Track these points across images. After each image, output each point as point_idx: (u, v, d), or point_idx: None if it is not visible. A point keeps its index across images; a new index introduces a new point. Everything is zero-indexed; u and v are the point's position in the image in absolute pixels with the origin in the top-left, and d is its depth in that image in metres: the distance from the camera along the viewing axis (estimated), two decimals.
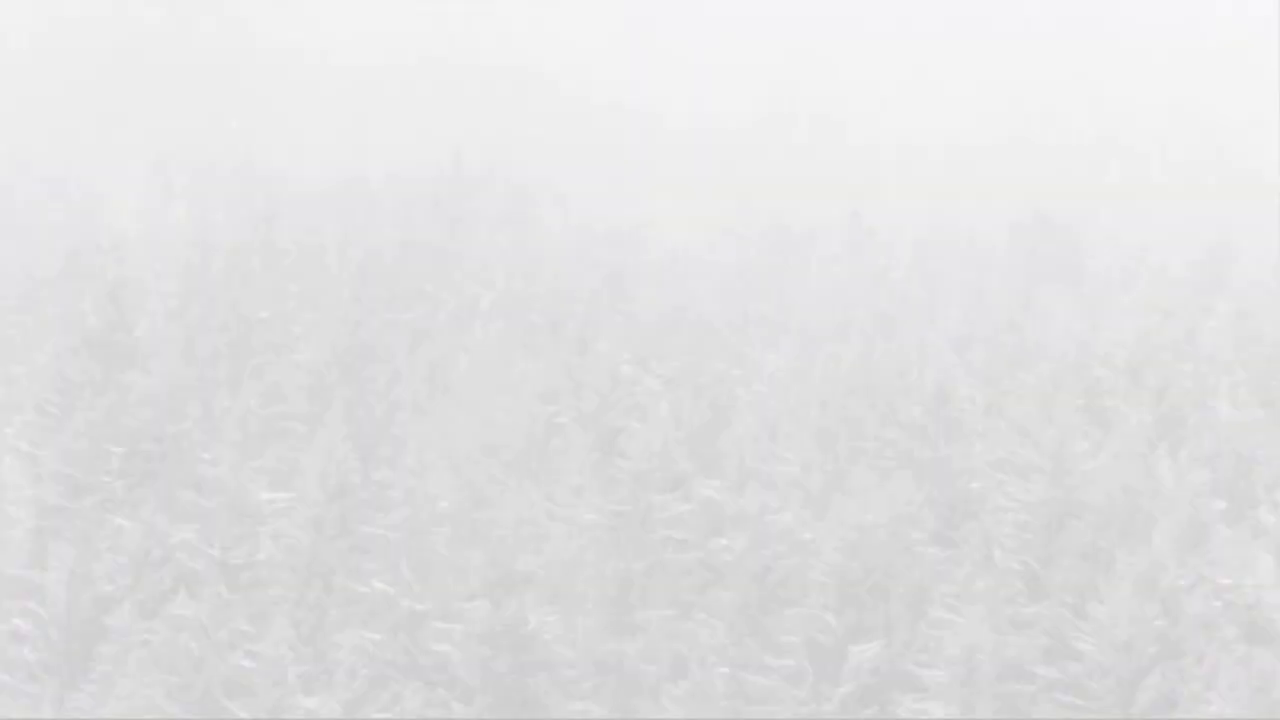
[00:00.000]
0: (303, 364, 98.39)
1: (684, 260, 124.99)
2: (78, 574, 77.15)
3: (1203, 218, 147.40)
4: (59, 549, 78.26)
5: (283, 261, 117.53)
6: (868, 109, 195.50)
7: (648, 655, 78.97)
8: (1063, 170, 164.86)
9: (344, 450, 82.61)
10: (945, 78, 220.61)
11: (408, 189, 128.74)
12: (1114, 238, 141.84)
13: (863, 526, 78.93)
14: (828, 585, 78.11)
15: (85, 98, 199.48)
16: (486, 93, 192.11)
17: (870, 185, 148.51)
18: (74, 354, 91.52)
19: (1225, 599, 75.95)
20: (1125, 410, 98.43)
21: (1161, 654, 72.57)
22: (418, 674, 73.22)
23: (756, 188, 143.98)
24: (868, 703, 74.21)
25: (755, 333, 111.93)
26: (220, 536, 79.85)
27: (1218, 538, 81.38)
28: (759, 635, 78.98)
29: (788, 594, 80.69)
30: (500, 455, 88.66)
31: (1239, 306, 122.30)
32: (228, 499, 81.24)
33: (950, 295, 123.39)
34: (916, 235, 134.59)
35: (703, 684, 73.82)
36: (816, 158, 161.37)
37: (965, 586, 78.39)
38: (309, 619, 76.59)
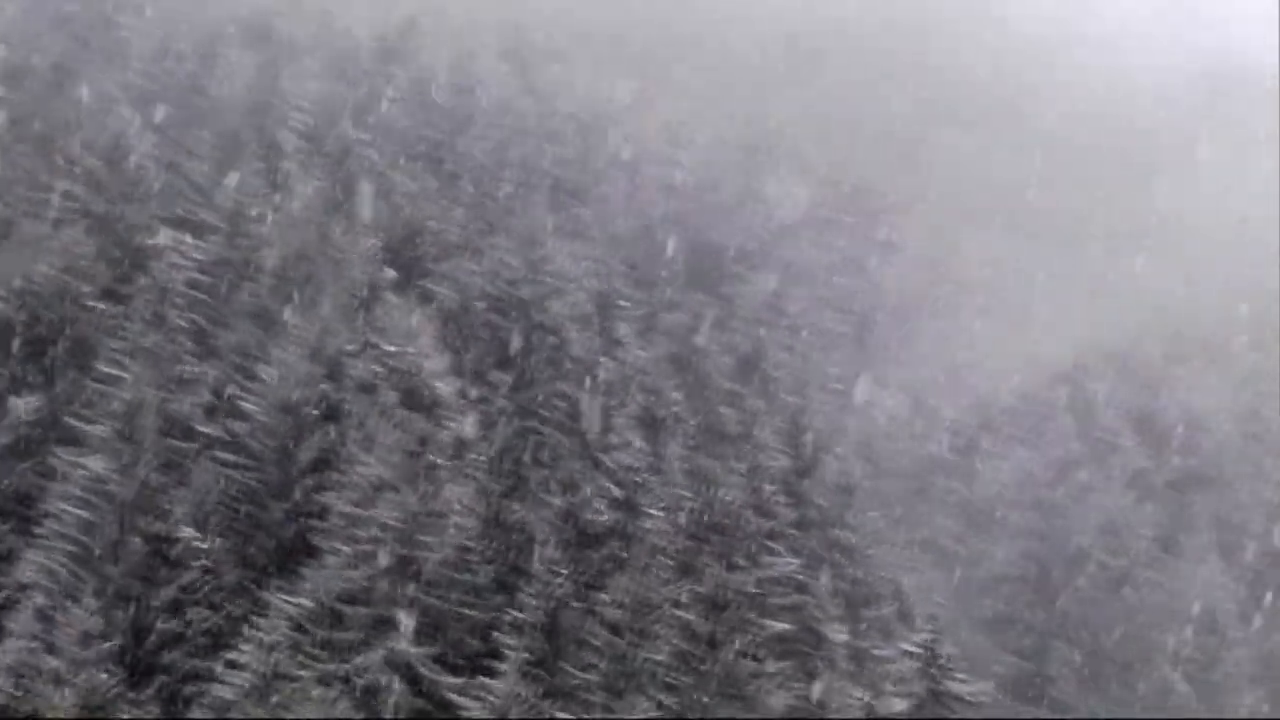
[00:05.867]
0: None
1: None
2: None
3: None
4: None
5: None
6: None
7: None
8: None
9: None
10: None
11: None
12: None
13: (31, 277, 76.99)
14: None
15: None
16: None
17: None
18: None
19: (388, 365, 78.18)
20: (301, 174, 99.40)
21: (323, 416, 74.33)
22: None
23: None
24: (25, 456, 72.95)
25: None
26: None
27: (385, 305, 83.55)
28: None
29: None
30: None
31: (416, 76, 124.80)
32: None
33: (131, 47, 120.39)
34: None
35: None
36: None
37: (133, 342, 77.79)
38: None
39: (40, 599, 65.18)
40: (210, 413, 76.24)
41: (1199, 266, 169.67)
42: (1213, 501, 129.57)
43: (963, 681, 63.19)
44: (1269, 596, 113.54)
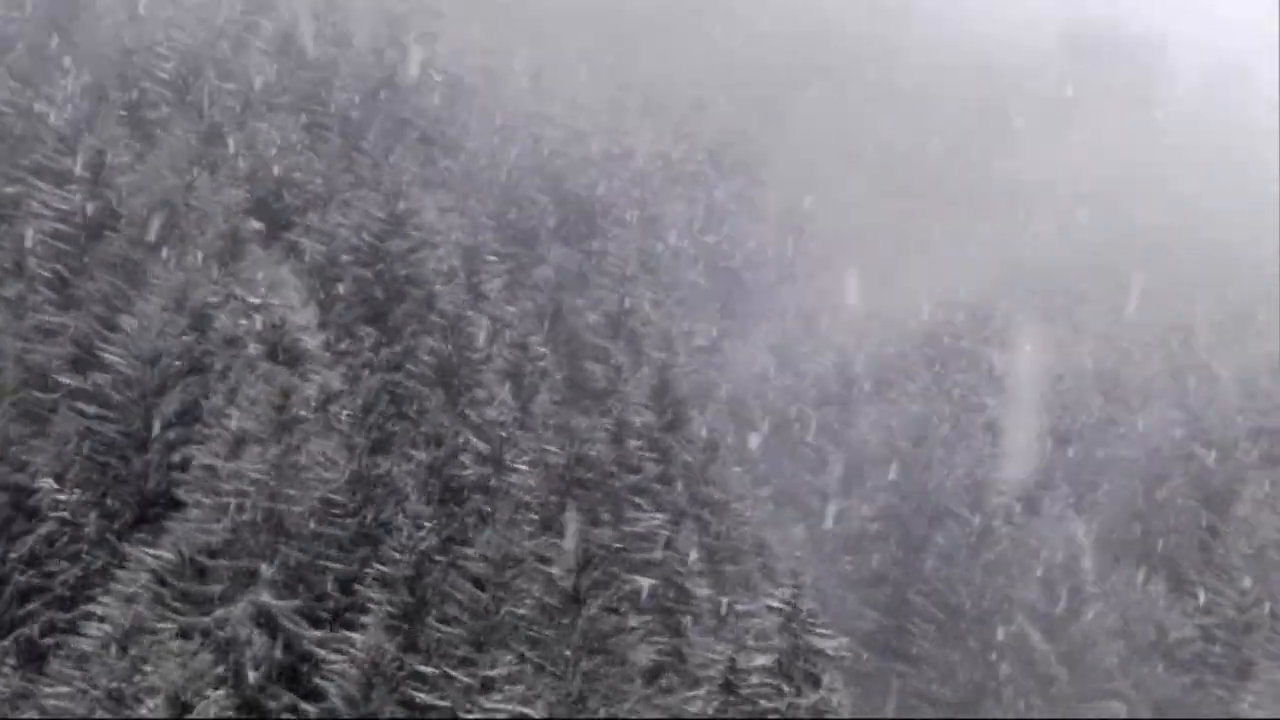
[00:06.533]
0: None
1: None
2: None
3: None
4: None
5: None
6: None
7: None
8: None
9: None
10: None
11: None
12: None
13: None
14: None
15: None
16: None
17: None
18: None
19: (253, 317, 77.63)
20: (172, 124, 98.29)
21: (187, 368, 73.76)
22: None
23: None
24: None
25: None
26: None
27: (250, 257, 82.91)
28: None
29: None
30: None
31: (283, 26, 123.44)
32: None
33: None
34: None
35: None
36: None
37: None
38: None
39: None
40: (72, 363, 75.45)
41: (1061, 224, 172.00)
42: (1071, 458, 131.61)
43: (824, 637, 63.84)
44: (1126, 552, 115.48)
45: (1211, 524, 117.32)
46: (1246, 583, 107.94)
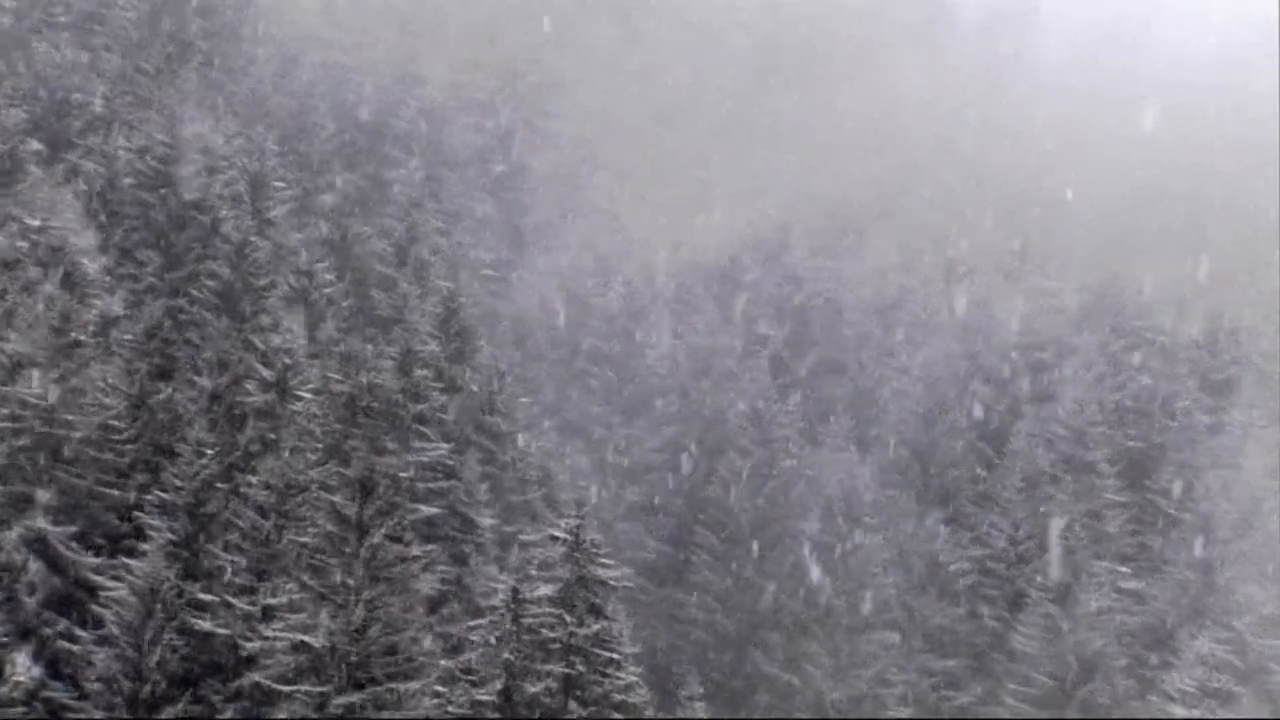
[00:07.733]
0: None
1: None
2: None
3: None
4: None
5: None
6: None
7: None
8: None
9: None
10: None
11: None
12: None
13: None
14: None
15: None
16: None
17: None
18: None
19: (32, 239, 76.32)
20: None
21: None
22: None
23: None
24: None
25: None
26: None
27: (29, 178, 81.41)
28: None
29: None
30: None
31: None
32: None
33: None
34: None
35: None
36: None
37: None
38: None
39: None
40: None
41: (850, 160, 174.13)
42: (851, 391, 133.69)
43: (607, 566, 64.40)
44: (903, 485, 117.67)
45: (987, 458, 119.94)
46: (1019, 515, 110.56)
